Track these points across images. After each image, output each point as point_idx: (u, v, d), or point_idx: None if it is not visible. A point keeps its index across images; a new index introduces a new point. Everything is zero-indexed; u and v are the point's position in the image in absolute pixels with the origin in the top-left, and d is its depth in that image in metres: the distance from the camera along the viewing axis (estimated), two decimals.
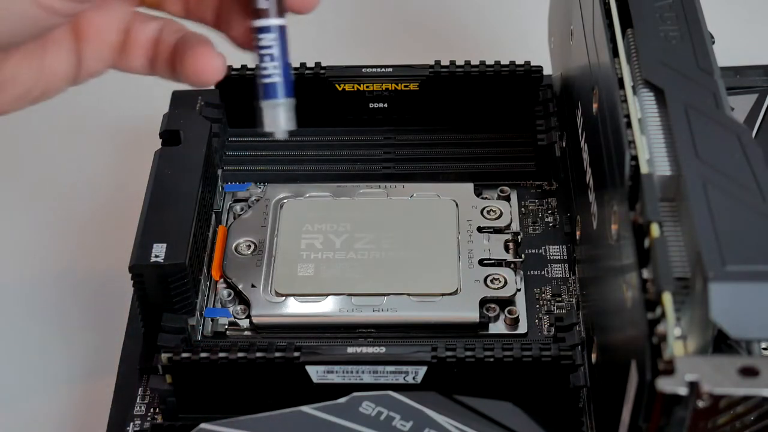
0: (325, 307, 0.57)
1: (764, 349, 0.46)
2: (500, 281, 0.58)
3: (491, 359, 0.51)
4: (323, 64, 0.64)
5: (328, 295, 0.58)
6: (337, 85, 0.65)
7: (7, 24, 0.46)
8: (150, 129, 0.62)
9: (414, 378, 0.51)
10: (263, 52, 0.48)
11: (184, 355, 0.51)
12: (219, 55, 0.50)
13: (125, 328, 0.58)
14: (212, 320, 0.57)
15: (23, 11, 0.45)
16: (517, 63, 0.64)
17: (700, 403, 0.39)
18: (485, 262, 0.59)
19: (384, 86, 0.65)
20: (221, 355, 0.51)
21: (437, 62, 0.64)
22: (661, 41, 0.50)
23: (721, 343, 0.43)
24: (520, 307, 0.58)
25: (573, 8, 0.59)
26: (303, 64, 0.64)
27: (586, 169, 0.56)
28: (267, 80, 0.48)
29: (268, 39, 0.48)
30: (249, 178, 0.64)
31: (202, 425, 0.49)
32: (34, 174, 0.72)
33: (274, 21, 0.47)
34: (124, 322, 0.59)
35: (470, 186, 0.63)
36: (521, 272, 0.59)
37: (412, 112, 0.66)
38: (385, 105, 0.65)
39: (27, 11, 0.45)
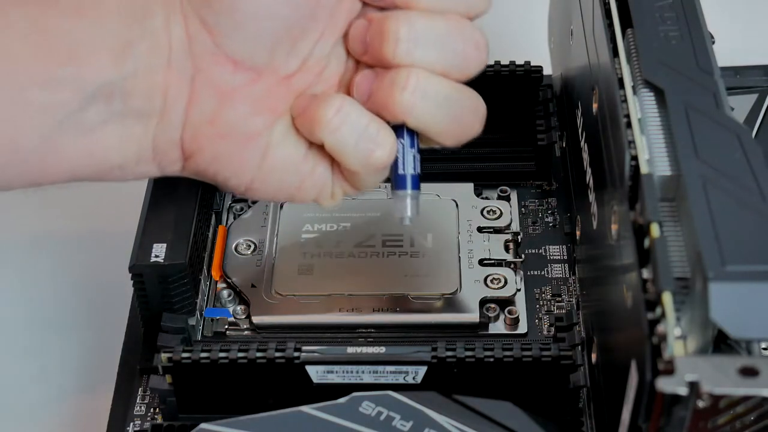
0: (325, 307, 0.57)
1: (764, 349, 0.46)
2: (500, 281, 0.58)
3: (491, 359, 0.51)
4: None
5: (328, 295, 0.58)
6: None
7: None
8: None
9: (414, 378, 0.51)
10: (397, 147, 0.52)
11: (184, 355, 0.51)
12: None
13: (125, 328, 0.58)
14: (212, 320, 0.57)
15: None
16: (517, 63, 0.63)
17: (700, 403, 0.39)
18: (485, 262, 0.59)
19: None
20: (221, 355, 0.51)
21: None
22: (661, 41, 0.50)
23: (721, 343, 0.43)
24: (520, 307, 0.58)
25: (573, 8, 0.59)
26: None
27: (586, 169, 0.56)
28: (399, 172, 0.52)
29: (402, 137, 0.51)
30: None
31: (202, 425, 0.49)
32: None
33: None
34: (124, 322, 0.59)
35: (470, 186, 0.63)
36: (521, 272, 0.59)
37: None
38: None
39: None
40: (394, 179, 0.52)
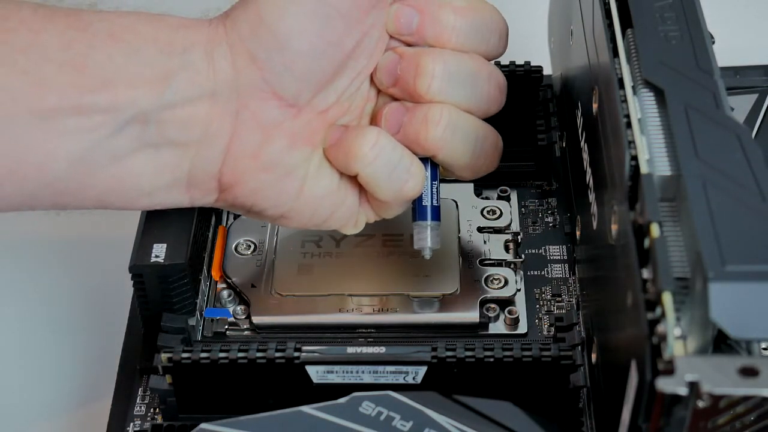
0: (325, 307, 0.57)
1: (764, 349, 0.46)
2: (500, 281, 0.58)
3: (491, 359, 0.51)
4: None
5: (328, 295, 0.58)
6: None
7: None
8: None
9: (414, 378, 0.51)
10: None
11: (184, 355, 0.51)
12: None
13: (125, 328, 0.58)
14: (212, 320, 0.57)
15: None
16: (517, 63, 0.63)
17: (700, 403, 0.39)
18: (485, 262, 0.59)
19: None
20: (221, 355, 0.51)
21: None
22: (661, 41, 0.50)
23: (721, 343, 0.43)
24: (520, 307, 0.58)
25: (573, 8, 0.59)
26: None
27: (586, 169, 0.56)
28: (423, 204, 0.54)
29: (426, 170, 0.53)
30: None
31: (202, 425, 0.49)
32: None
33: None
34: (124, 322, 0.59)
35: (470, 186, 0.63)
36: (521, 272, 0.59)
37: None
38: None
39: None
40: (417, 210, 0.54)
